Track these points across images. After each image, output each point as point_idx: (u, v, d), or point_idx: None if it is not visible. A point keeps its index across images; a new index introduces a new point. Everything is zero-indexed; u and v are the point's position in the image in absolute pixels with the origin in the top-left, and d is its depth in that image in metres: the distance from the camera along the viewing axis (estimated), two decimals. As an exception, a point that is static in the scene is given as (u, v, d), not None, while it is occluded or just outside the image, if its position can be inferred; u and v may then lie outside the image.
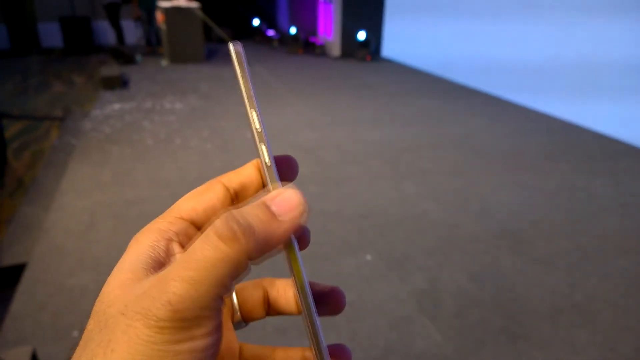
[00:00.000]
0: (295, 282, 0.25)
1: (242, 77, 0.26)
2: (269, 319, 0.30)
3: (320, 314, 0.27)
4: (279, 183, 0.25)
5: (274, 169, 0.26)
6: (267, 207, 0.23)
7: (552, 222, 2.63)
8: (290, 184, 0.25)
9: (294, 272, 0.25)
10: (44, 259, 2.21)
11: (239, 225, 0.22)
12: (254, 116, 0.26)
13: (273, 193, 0.24)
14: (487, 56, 9.37)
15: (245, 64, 0.26)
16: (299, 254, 0.25)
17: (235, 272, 0.22)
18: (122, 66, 6.95)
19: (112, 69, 6.01)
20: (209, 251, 0.22)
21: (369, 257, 2.26)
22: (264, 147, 0.26)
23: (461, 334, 1.80)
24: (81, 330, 1.77)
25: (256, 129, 0.25)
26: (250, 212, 0.23)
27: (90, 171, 3.22)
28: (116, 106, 4.89)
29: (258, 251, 0.22)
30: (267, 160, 0.26)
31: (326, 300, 0.28)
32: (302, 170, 3.25)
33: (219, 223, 0.22)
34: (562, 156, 3.65)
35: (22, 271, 2.10)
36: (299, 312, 0.26)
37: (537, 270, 2.18)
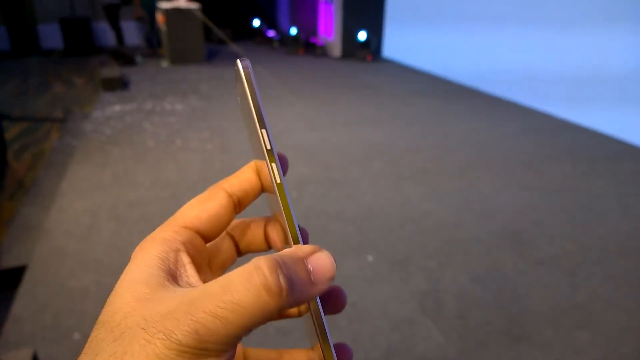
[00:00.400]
0: (312, 315, 0.25)
1: (252, 96, 0.25)
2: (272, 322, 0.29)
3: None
4: (295, 222, 0.25)
5: (285, 191, 0.25)
6: (305, 265, 0.23)
7: (554, 223, 2.62)
8: (318, 247, 0.25)
9: (315, 324, 0.25)
10: (44, 260, 2.20)
11: (285, 282, 0.22)
12: (264, 136, 0.25)
13: (307, 249, 0.24)
14: (487, 56, 9.37)
15: (254, 82, 0.25)
16: (322, 312, 0.25)
17: (268, 320, 0.22)
18: (122, 67, 6.95)
19: (112, 70, 6.01)
20: (249, 298, 0.21)
21: (370, 258, 2.25)
22: (274, 166, 0.25)
23: (463, 335, 1.79)
24: (82, 332, 1.76)
25: (266, 148, 0.25)
26: (293, 267, 0.23)
27: (91, 172, 3.22)
28: (116, 107, 4.89)
29: (290, 307, 0.23)
30: (277, 179, 0.25)
31: (327, 300, 0.28)
32: (303, 170, 3.27)
33: (267, 272, 0.22)
34: (564, 157, 3.64)
35: (22, 273, 2.10)
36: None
37: (539, 271, 2.17)
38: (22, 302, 1.91)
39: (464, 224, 2.60)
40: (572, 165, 3.47)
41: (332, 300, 0.28)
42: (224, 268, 0.31)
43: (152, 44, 7.99)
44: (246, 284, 0.21)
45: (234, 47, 8.10)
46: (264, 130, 0.25)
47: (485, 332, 1.81)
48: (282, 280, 0.22)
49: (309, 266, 0.23)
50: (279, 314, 0.24)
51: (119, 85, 5.69)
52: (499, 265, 2.23)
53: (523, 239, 2.45)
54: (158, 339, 0.21)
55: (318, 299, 0.25)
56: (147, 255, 0.25)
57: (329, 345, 0.25)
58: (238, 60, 0.26)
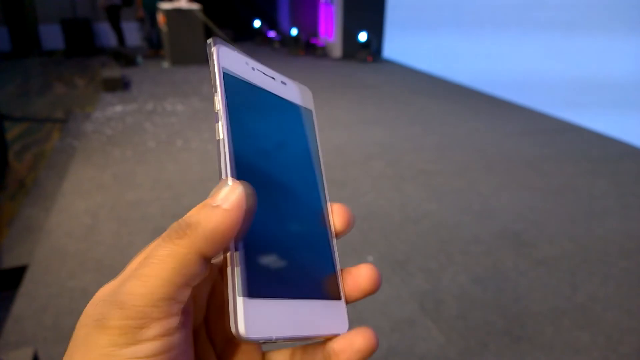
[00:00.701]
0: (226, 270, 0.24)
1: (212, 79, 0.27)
2: None
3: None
4: (229, 179, 0.25)
5: (227, 168, 0.25)
6: (210, 204, 0.23)
7: (554, 224, 2.62)
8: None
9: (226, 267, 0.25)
10: (45, 260, 2.21)
11: (185, 223, 0.23)
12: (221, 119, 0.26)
13: (213, 191, 0.24)
14: (488, 57, 9.38)
15: (218, 64, 0.28)
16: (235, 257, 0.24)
17: (185, 268, 0.22)
18: (123, 68, 6.96)
19: (113, 71, 6.02)
20: (158, 251, 0.22)
21: (370, 259, 2.26)
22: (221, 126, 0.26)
23: (464, 335, 1.79)
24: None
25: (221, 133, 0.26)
26: (194, 211, 0.23)
27: (92, 173, 3.23)
28: (117, 108, 4.90)
29: (209, 245, 0.23)
30: (220, 135, 0.26)
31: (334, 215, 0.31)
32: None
33: (168, 228, 0.23)
34: (564, 158, 3.64)
35: (23, 273, 2.10)
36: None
37: (539, 272, 2.17)
38: (23, 302, 1.92)
39: (465, 224, 2.60)
40: (572, 166, 3.47)
41: (337, 217, 0.31)
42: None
43: (153, 45, 7.99)
44: (155, 244, 0.23)
45: (236, 48, 8.10)
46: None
47: (485, 332, 1.81)
48: (181, 223, 0.23)
49: (217, 202, 0.23)
50: (210, 254, 0.23)
51: (120, 86, 5.69)
52: (499, 265, 2.23)
53: (523, 240, 2.45)
54: (93, 327, 0.21)
55: (238, 250, 0.24)
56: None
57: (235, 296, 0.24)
58: (210, 42, 0.27)
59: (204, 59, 7.63)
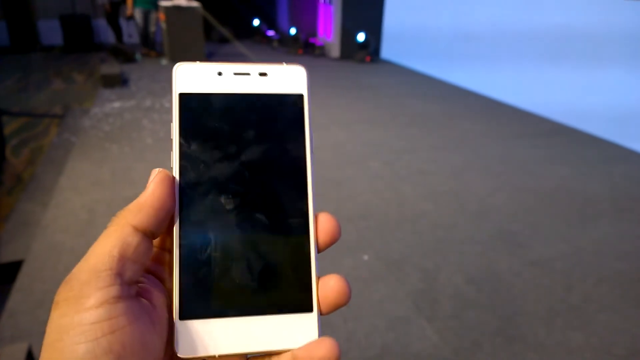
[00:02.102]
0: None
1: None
2: None
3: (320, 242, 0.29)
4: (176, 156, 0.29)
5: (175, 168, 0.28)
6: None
7: (548, 225, 2.64)
8: None
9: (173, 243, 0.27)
10: (41, 255, 2.21)
11: (120, 210, 0.26)
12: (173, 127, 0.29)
13: None
14: (486, 55, 9.39)
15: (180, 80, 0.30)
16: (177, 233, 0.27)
17: (120, 241, 0.25)
18: (122, 64, 6.95)
19: (112, 67, 6.01)
20: (100, 235, 0.26)
21: (366, 258, 2.27)
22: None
23: (458, 335, 1.80)
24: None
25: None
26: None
27: (90, 169, 3.23)
28: (116, 104, 4.89)
29: (137, 216, 0.26)
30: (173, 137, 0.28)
31: (318, 229, 0.30)
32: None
33: None
34: (558, 159, 3.66)
35: (19, 268, 2.10)
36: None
37: (533, 272, 2.19)
38: (18, 297, 1.92)
39: (460, 224, 2.62)
40: (566, 167, 3.48)
41: (322, 227, 0.30)
42: None
43: (147, 45, 7.85)
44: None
45: (237, 44, 8.10)
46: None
47: (479, 332, 1.82)
48: (119, 212, 0.27)
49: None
50: (148, 228, 0.26)
51: (119, 82, 5.69)
52: (493, 266, 2.24)
53: (518, 240, 2.46)
54: (53, 309, 0.24)
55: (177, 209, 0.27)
56: None
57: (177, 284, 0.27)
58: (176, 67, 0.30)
59: (204, 57, 7.63)
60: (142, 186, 0.28)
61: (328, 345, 0.26)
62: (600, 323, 1.88)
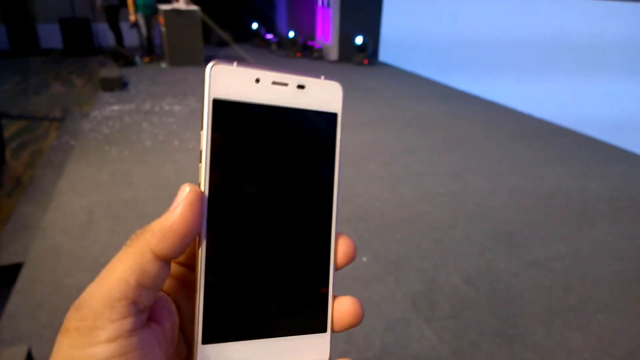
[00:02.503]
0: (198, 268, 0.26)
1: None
2: None
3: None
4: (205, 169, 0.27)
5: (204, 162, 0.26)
6: (169, 209, 0.25)
7: (546, 226, 2.64)
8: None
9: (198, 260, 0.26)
10: (41, 258, 2.21)
11: (143, 228, 0.24)
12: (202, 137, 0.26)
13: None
14: (484, 59, 9.39)
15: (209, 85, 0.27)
16: (204, 246, 0.26)
17: (139, 267, 0.23)
18: (121, 68, 6.96)
19: (111, 71, 6.02)
20: (117, 254, 0.24)
21: (364, 259, 2.27)
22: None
23: (456, 335, 1.81)
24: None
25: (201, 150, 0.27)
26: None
27: (89, 171, 3.23)
28: (115, 107, 4.90)
29: (160, 242, 0.24)
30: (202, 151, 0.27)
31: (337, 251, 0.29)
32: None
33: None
34: (556, 160, 3.67)
35: (18, 270, 2.10)
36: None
37: (531, 273, 2.19)
38: (18, 300, 1.92)
39: (458, 225, 2.62)
40: (564, 168, 3.49)
41: (340, 249, 0.29)
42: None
43: (146, 51, 7.69)
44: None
45: (236, 48, 8.11)
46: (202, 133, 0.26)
47: (478, 332, 1.83)
48: (137, 231, 0.24)
49: (172, 206, 0.25)
50: (166, 254, 0.24)
51: (118, 85, 5.70)
52: (492, 266, 2.25)
53: (516, 241, 2.47)
54: (60, 333, 0.22)
55: (204, 228, 0.26)
56: None
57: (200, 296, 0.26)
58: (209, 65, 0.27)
59: (202, 60, 7.65)
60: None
61: None
62: (598, 323, 1.88)
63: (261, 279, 0.27)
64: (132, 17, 7.31)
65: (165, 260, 0.24)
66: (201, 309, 0.26)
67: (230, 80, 0.27)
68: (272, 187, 0.27)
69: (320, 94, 0.30)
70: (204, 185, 0.26)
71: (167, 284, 0.27)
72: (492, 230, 2.57)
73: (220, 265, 0.26)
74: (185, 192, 0.25)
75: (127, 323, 0.22)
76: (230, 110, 0.27)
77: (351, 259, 0.29)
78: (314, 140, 0.29)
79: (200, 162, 0.26)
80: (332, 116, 0.30)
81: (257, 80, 0.27)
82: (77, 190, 2.93)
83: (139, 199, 2.81)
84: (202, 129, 0.26)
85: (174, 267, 0.28)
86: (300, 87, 0.29)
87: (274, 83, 0.28)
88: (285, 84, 0.28)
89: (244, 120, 0.27)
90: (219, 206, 0.26)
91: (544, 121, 4.81)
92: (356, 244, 0.30)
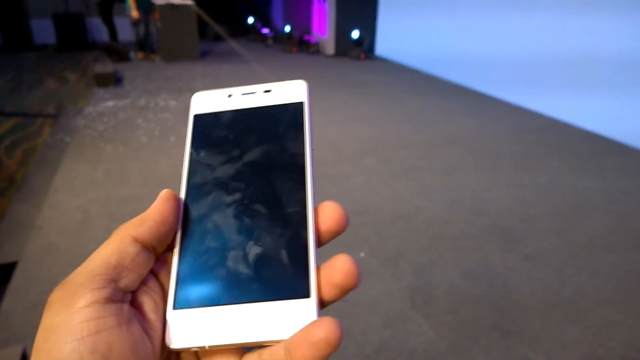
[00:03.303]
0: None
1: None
2: None
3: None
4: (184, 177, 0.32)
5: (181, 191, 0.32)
6: None
7: (542, 220, 2.65)
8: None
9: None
10: (35, 257, 2.20)
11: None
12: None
13: None
14: (480, 53, 9.40)
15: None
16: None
17: (118, 249, 0.25)
18: (116, 63, 6.92)
19: (105, 66, 5.98)
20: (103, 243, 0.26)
21: (362, 254, 2.27)
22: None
23: (454, 330, 1.81)
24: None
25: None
26: None
27: (84, 168, 3.21)
28: (110, 103, 4.87)
29: (138, 227, 0.27)
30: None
31: (323, 219, 0.29)
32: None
33: None
34: (552, 154, 3.67)
35: (13, 269, 2.09)
36: None
37: (527, 267, 2.20)
38: (12, 299, 1.91)
39: (455, 220, 2.62)
40: (559, 162, 3.50)
41: (327, 214, 0.29)
42: None
43: (145, 49, 7.62)
44: None
45: (232, 42, 8.07)
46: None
47: (475, 326, 1.83)
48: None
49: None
50: (147, 239, 0.27)
51: (113, 81, 5.66)
52: (488, 260, 2.25)
53: (512, 235, 2.47)
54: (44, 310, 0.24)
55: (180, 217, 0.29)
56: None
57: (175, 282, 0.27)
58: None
59: (198, 55, 7.62)
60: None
61: (327, 326, 0.23)
62: (595, 316, 1.89)
63: (233, 246, 0.28)
64: (134, 13, 7.13)
65: (143, 245, 0.26)
66: (174, 276, 0.27)
67: (208, 100, 0.33)
68: (245, 167, 0.30)
69: (286, 92, 0.33)
70: (184, 176, 0.31)
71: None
72: (489, 225, 2.57)
73: (194, 234, 0.28)
74: (161, 192, 0.29)
75: (104, 292, 0.23)
76: (207, 120, 0.33)
77: (340, 225, 0.29)
78: (281, 125, 0.32)
79: (184, 162, 0.32)
80: (299, 104, 0.33)
81: (230, 95, 0.33)
82: (72, 188, 2.91)
83: (134, 196, 2.79)
84: (185, 141, 0.32)
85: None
86: (267, 91, 0.33)
87: (244, 94, 0.33)
88: (254, 92, 0.33)
89: (217, 124, 0.32)
90: (196, 192, 0.30)
91: (538, 114, 4.81)
92: (347, 213, 0.30)
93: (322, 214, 0.29)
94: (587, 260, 2.26)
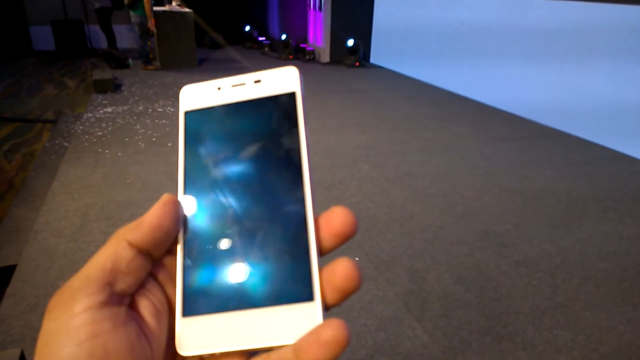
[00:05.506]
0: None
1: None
2: None
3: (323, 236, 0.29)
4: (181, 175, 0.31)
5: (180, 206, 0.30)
6: None
7: (534, 226, 2.68)
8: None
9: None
10: (34, 260, 2.21)
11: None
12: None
13: None
14: (472, 59, 9.48)
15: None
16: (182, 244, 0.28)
17: (114, 254, 0.26)
18: (114, 70, 6.95)
19: (104, 73, 6.01)
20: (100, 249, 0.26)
21: (356, 259, 2.29)
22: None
23: (447, 334, 1.83)
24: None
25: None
26: None
27: (82, 173, 3.23)
28: (108, 109, 4.90)
29: (133, 232, 0.26)
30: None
31: (330, 225, 0.28)
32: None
33: None
34: (544, 161, 3.72)
35: (11, 273, 2.10)
36: None
37: (520, 272, 2.23)
38: (11, 302, 1.92)
39: (448, 226, 2.66)
40: (551, 169, 3.54)
41: (335, 222, 0.28)
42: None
43: (147, 59, 7.35)
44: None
45: (229, 50, 8.11)
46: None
47: (468, 331, 1.85)
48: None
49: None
50: (143, 244, 0.26)
51: (111, 87, 5.69)
52: (481, 266, 2.28)
53: (504, 241, 2.50)
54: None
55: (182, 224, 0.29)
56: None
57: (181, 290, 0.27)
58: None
59: (195, 62, 7.65)
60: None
61: (336, 326, 0.23)
62: (587, 321, 1.92)
63: (237, 252, 0.28)
64: (151, 22, 6.83)
65: (139, 250, 0.26)
66: (180, 283, 0.27)
67: (197, 94, 0.32)
68: (241, 168, 0.30)
69: (277, 81, 0.31)
70: (180, 178, 0.30)
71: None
72: (482, 231, 2.60)
73: (198, 242, 0.28)
74: (162, 196, 0.29)
75: (100, 296, 0.24)
76: (198, 117, 0.31)
77: (348, 229, 0.28)
78: (275, 120, 0.31)
79: (178, 161, 0.30)
80: (291, 95, 0.31)
81: (219, 88, 0.32)
82: (70, 192, 2.93)
83: (132, 201, 2.81)
84: (178, 139, 0.31)
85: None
86: (257, 81, 0.31)
87: (234, 86, 0.32)
88: (243, 84, 0.32)
89: (210, 121, 0.31)
90: (195, 194, 0.29)
91: (531, 121, 4.87)
92: (355, 217, 0.29)
93: (332, 218, 0.29)
94: (578, 266, 2.30)
